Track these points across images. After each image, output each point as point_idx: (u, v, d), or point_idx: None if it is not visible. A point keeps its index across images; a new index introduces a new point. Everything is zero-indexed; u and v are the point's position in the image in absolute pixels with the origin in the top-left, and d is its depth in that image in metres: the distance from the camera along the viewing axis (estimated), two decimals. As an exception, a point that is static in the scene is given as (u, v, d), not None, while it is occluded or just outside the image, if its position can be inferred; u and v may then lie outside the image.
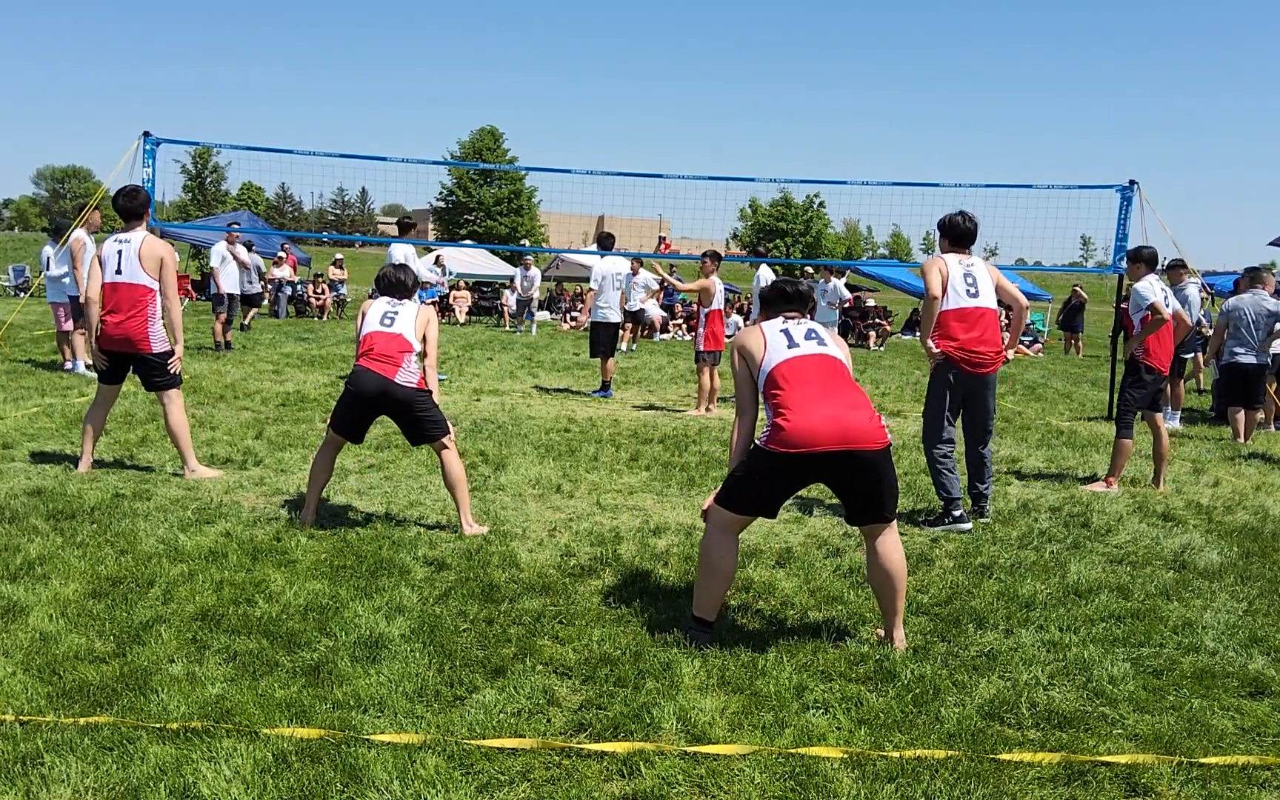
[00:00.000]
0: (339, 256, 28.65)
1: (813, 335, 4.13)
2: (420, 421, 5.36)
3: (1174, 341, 7.34)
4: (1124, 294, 13.00)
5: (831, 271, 18.82)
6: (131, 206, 6.32)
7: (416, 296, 5.84)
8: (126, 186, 6.44)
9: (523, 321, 23.03)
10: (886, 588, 3.99)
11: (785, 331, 4.13)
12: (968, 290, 6.04)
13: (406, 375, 5.32)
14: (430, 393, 5.43)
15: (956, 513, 5.95)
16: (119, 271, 6.20)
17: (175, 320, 6.35)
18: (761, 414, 4.07)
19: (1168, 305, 7.14)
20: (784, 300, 4.34)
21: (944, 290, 6.04)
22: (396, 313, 5.52)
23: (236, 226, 16.53)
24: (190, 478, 6.27)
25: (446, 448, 5.42)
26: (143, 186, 6.67)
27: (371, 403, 5.34)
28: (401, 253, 10.94)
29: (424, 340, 5.54)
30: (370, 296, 5.79)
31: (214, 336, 14.57)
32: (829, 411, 3.82)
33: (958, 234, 6.18)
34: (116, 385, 6.46)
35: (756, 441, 3.98)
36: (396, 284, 5.69)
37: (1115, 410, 7.43)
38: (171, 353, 6.34)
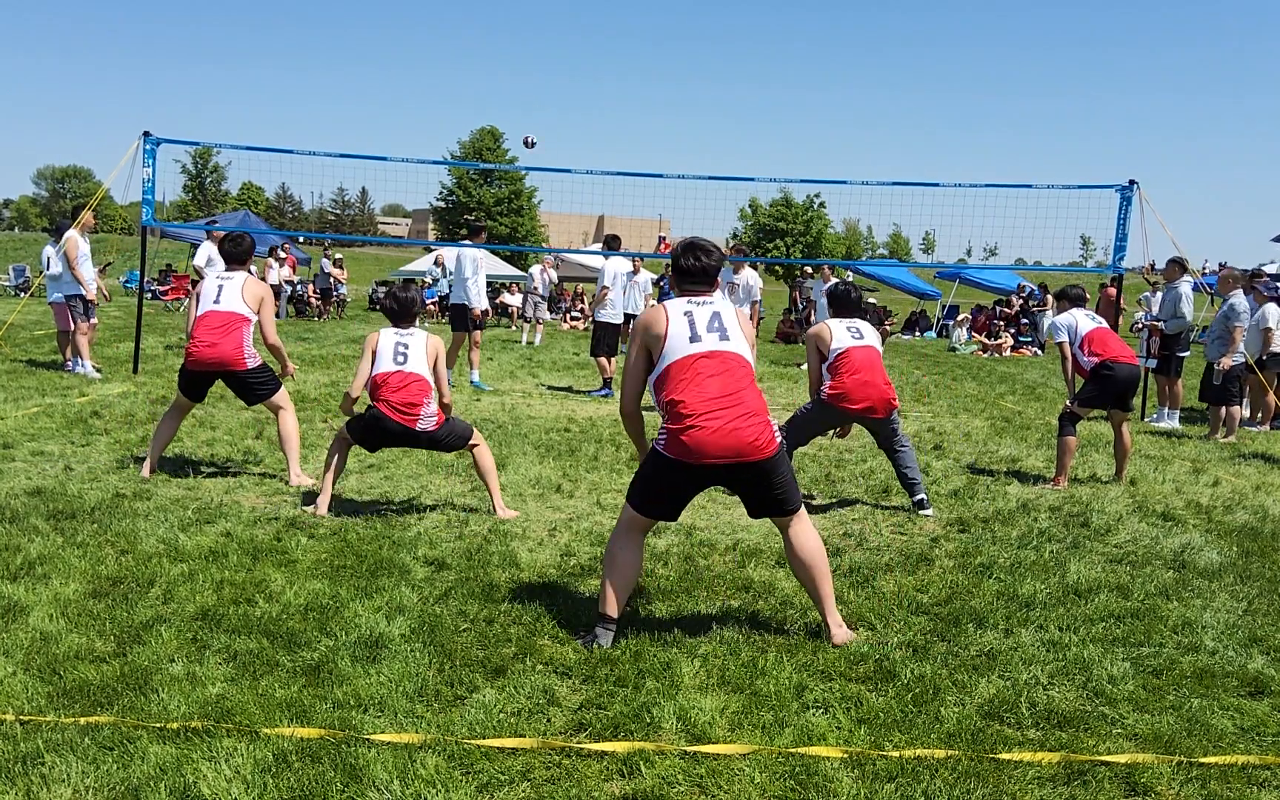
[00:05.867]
0: (338, 256, 28.52)
1: (716, 324, 3.95)
2: (446, 444, 5.73)
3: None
4: (1121, 295, 13.01)
5: (832, 271, 18.78)
6: (235, 252, 6.63)
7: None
8: (232, 233, 6.85)
9: (535, 325, 21.93)
10: (807, 576, 4.01)
11: (689, 316, 3.95)
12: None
13: (426, 422, 5.59)
14: (449, 420, 5.73)
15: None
16: (217, 301, 6.38)
17: (277, 346, 6.57)
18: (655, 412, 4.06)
19: (1092, 321, 7.42)
20: (686, 276, 4.07)
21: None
22: (407, 346, 5.65)
23: (215, 224, 16.55)
24: (294, 484, 6.33)
25: (476, 445, 5.77)
26: (248, 234, 6.91)
27: (395, 440, 5.67)
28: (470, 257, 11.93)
29: (434, 367, 5.75)
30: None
31: None
32: (722, 423, 3.79)
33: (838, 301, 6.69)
34: (197, 400, 6.58)
35: (655, 445, 3.95)
36: (404, 311, 5.81)
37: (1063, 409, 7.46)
38: (265, 367, 6.47)
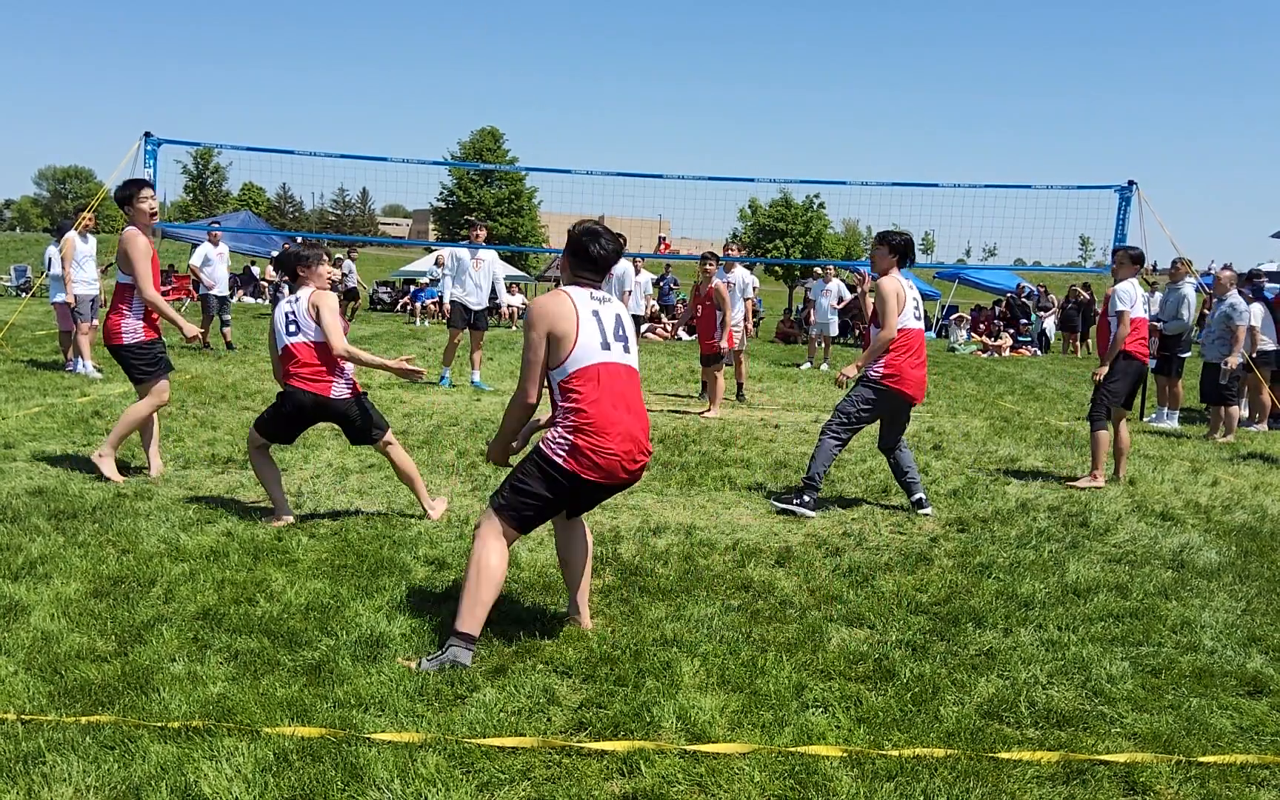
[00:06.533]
0: (338, 256, 28.35)
1: (621, 332, 3.82)
2: (360, 427, 5.53)
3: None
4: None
5: (832, 271, 18.79)
6: (118, 197, 6.14)
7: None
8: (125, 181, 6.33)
9: None
10: (580, 564, 4.05)
11: (596, 316, 3.75)
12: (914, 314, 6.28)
13: (340, 389, 5.38)
14: (367, 401, 5.55)
15: (806, 498, 6.18)
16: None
17: (159, 306, 6.06)
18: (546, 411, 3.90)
19: (1145, 308, 7.38)
20: (588, 263, 3.81)
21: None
22: (294, 313, 5.36)
23: (217, 225, 16.58)
24: (94, 458, 6.07)
25: (390, 444, 5.60)
26: (135, 178, 6.35)
27: (308, 415, 5.45)
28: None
29: (319, 318, 5.32)
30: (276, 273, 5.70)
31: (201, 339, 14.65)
32: (631, 444, 3.72)
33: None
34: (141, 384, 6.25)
35: (554, 457, 3.69)
36: (282, 264, 5.58)
37: (1091, 404, 7.45)
38: (143, 347, 6.13)
